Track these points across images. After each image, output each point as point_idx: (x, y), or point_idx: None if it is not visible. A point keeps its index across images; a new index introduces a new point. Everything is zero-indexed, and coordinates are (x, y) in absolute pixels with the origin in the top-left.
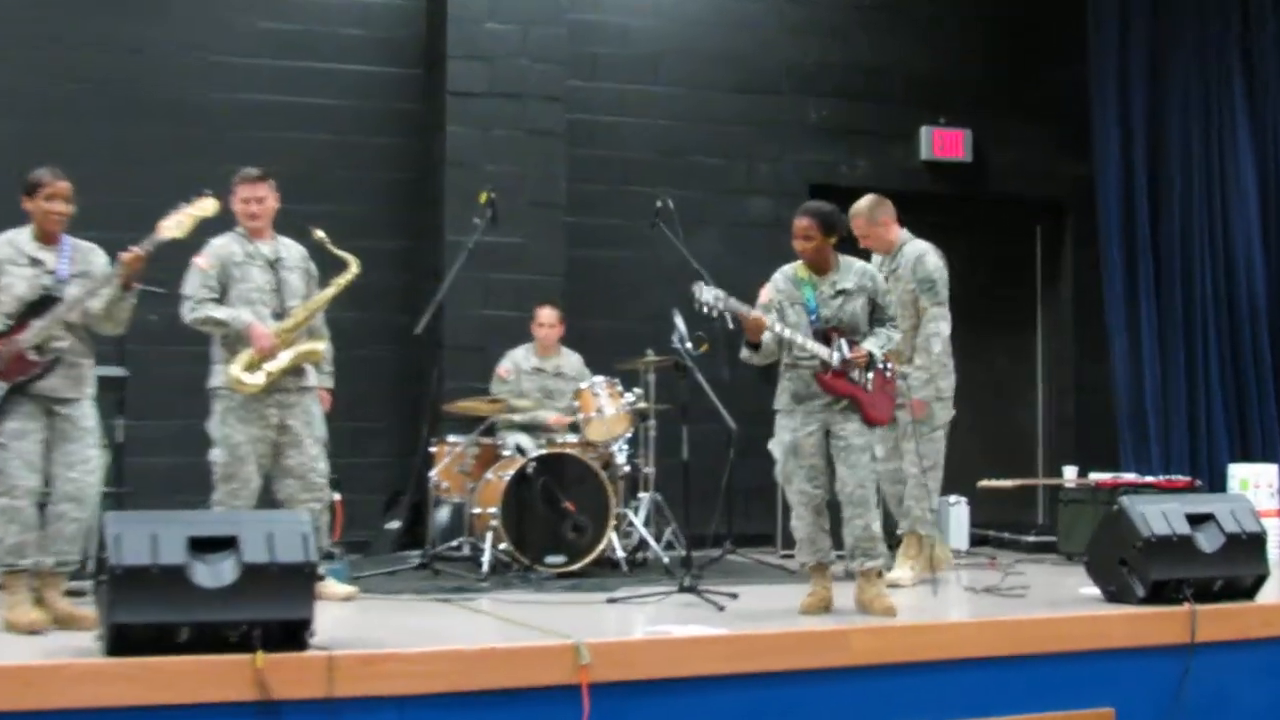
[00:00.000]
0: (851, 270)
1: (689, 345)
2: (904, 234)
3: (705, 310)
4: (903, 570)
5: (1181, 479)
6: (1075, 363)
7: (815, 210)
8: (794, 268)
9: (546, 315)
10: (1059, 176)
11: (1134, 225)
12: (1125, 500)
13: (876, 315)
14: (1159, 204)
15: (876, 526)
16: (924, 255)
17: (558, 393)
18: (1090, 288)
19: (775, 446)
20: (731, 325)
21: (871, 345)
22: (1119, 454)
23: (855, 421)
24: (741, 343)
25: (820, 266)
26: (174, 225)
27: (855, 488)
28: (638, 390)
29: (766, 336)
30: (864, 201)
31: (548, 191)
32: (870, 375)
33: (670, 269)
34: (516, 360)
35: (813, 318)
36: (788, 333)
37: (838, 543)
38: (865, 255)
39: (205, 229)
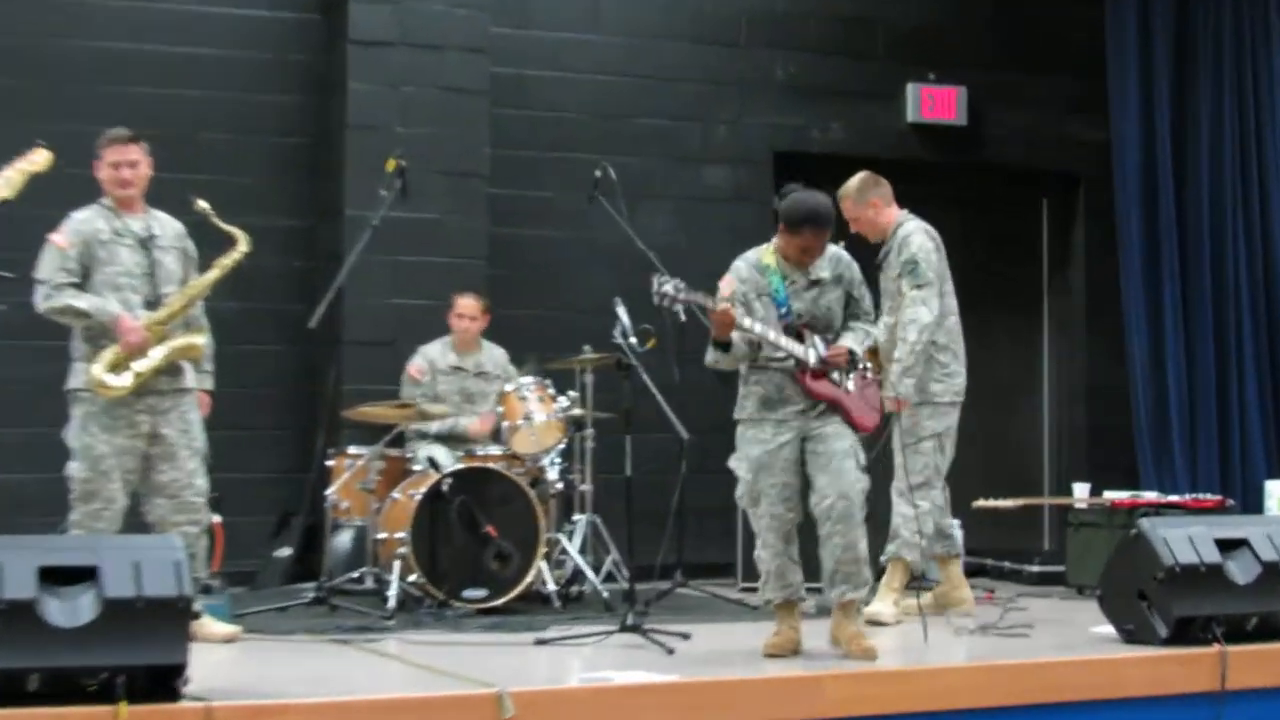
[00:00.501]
0: (826, 257)
1: (633, 340)
2: (901, 216)
3: (665, 304)
4: (884, 604)
5: (1211, 498)
6: (1087, 361)
7: (828, 214)
8: (759, 254)
9: (467, 305)
10: (1069, 142)
11: (1156, 199)
12: (1145, 523)
13: (852, 309)
14: (1185, 174)
15: (862, 547)
16: (910, 235)
17: (479, 396)
18: (1105, 273)
19: (738, 463)
20: (701, 317)
21: (851, 342)
22: (1138, 469)
23: (836, 423)
24: (708, 344)
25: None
26: (1, 183)
27: (837, 499)
28: (573, 393)
29: (737, 336)
30: (853, 181)
31: (468, 158)
32: (850, 377)
33: (611, 250)
34: (430, 357)
35: (783, 311)
36: (759, 328)
37: (809, 573)
38: (859, 244)
39: (63, 200)
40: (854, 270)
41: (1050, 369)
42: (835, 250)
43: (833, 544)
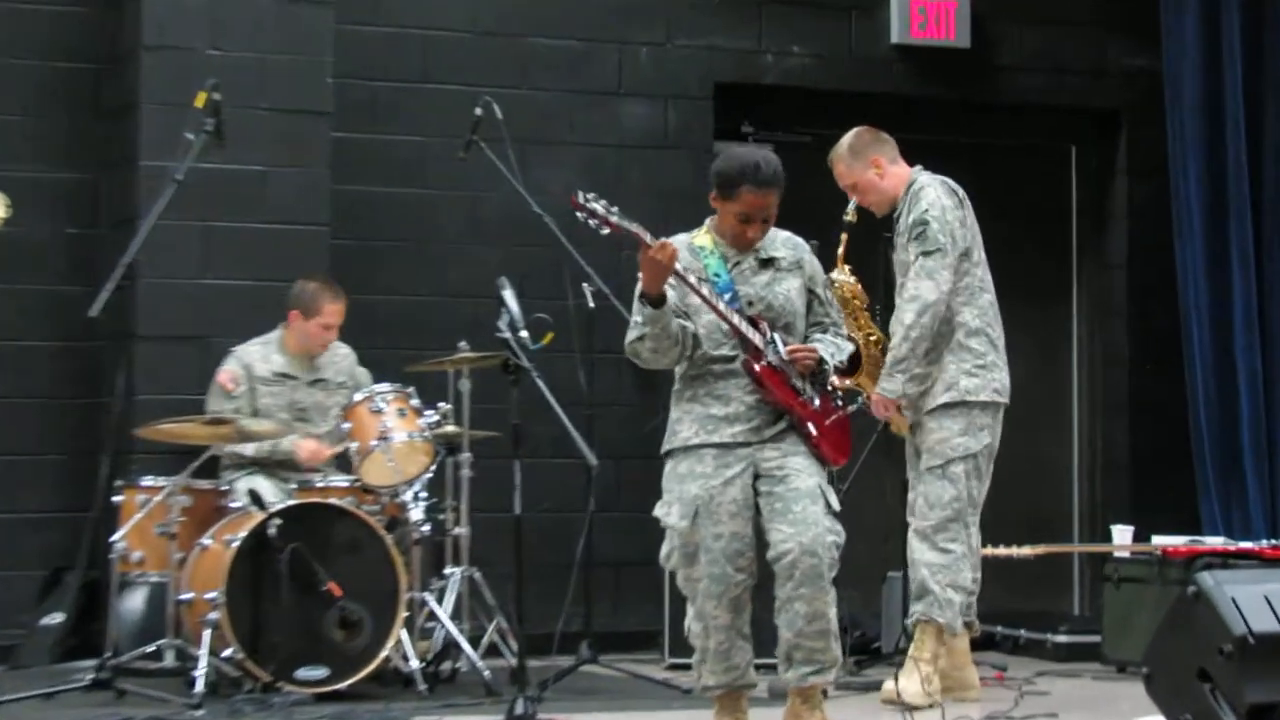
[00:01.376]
0: (777, 238)
1: (525, 334)
2: (915, 172)
3: (590, 222)
4: (911, 680)
5: None
6: (1131, 363)
7: (772, 170)
8: (690, 237)
9: (338, 310)
10: (1107, 72)
11: (1224, 149)
12: (1207, 579)
13: (817, 315)
14: (1263, 115)
15: (832, 616)
16: (922, 189)
17: (316, 411)
18: (1155, 248)
19: (668, 509)
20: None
21: (821, 348)
22: (1198, 506)
23: (799, 453)
24: (633, 315)
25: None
26: None
27: (801, 554)
28: (444, 405)
29: (673, 296)
30: (844, 139)
31: (306, 91)
32: (816, 396)
33: (496, 214)
34: (249, 361)
35: (727, 297)
36: (706, 290)
37: (759, 643)
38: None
39: None
40: (816, 263)
41: (1082, 374)
42: (788, 234)
43: (793, 612)
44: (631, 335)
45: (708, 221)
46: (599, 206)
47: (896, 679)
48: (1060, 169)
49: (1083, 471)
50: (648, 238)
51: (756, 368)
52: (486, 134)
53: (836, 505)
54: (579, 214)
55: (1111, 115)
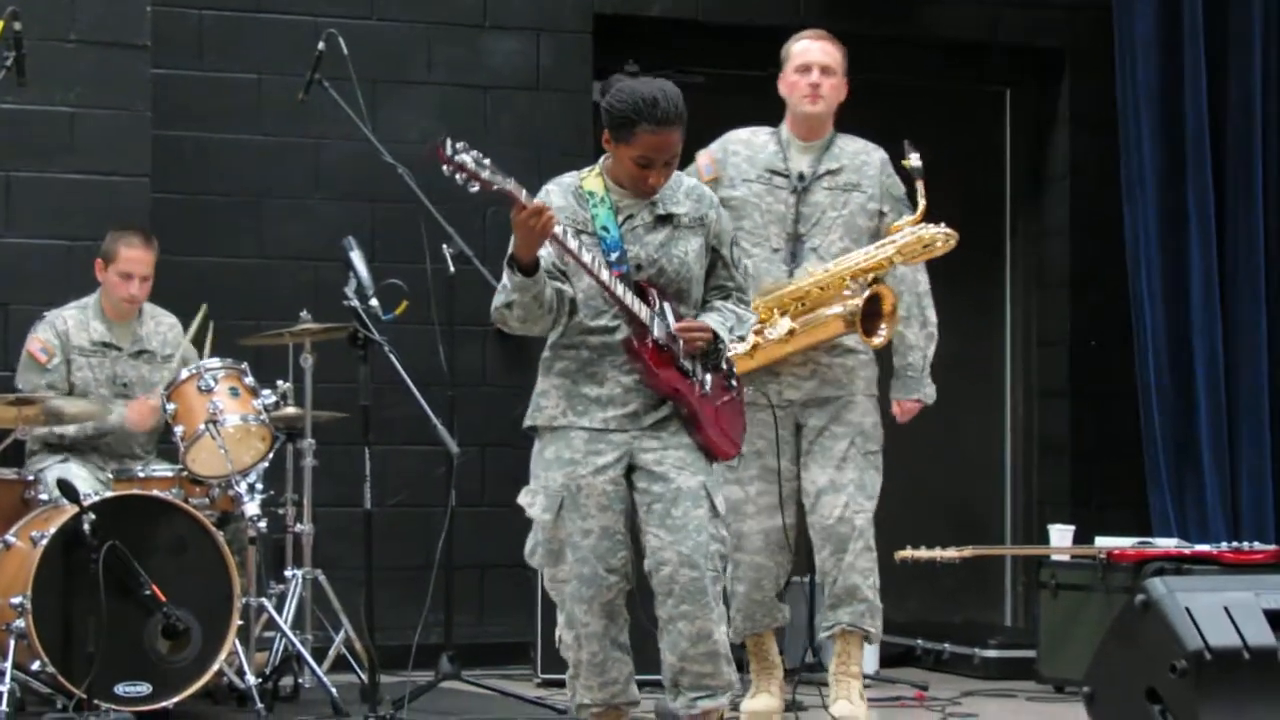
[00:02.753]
0: (680, 187)
1: (375, 303)
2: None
3: (457, 178)
4: (852, 701)
5: (1263, 549)
6: (1072, 342)
7: (674, 105)
8: (577, 178)
9: (136, 256)
10: (1048, 4)
11: (1179, 95)
12: (1158, 585)
13: (718, 280)
14: (1226, 57)
15: (719, 636)
16: (886, 160)
17: (140, 385)
18: (1100, 208)
19: (532, 497)
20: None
21: (714, 323)
22: (1148, 503)
23: (681, 444)
24: (503, 277)
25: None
26: None
27: (680, 566)
28: (283, 384)
29: (546, 258)
30: (827, 36)
31: (121, 21)
32: (709, 377)
33: (341, 164)
34: (64, 329)
35: (613, 258)
36: (587, 256)
37: (644, 660)
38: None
39: None
40: (725, 219)
41: (1016, 354)
42: (693, 182)
43: (676, 633)
44: (498, 300)
45: (600, 161)
46: (469, 159)
47: (828, 703)
48: (993, 116)
49: (1016, 463)
50: (523, 197)
51: (640, 349)
52: (330, 71)
53: (723, 508)
54: (445, 168)
55: (1053, 55)
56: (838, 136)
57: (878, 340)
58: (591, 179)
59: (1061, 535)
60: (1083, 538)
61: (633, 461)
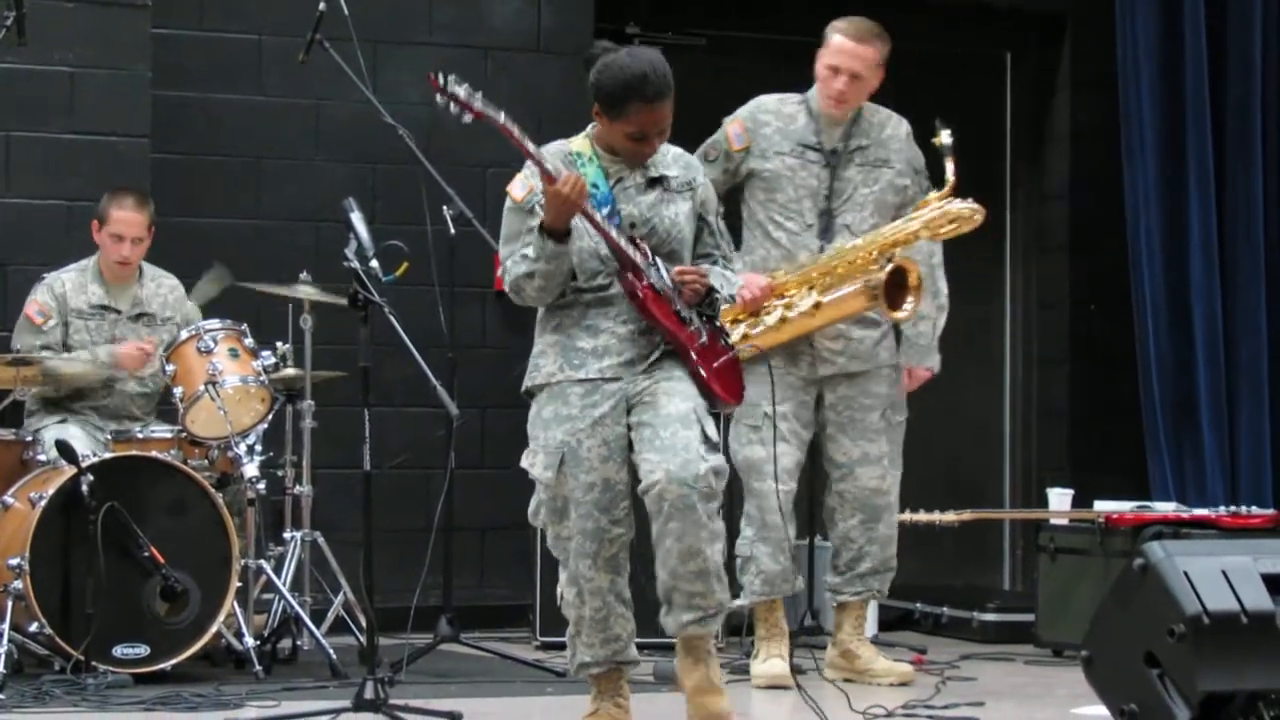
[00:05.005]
0: (668, 154)
1: (375, 264)
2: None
3: (452, 109)
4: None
5: (1261, 513)
6: (1072, 304)
7: (661, 78)
8: (563, 144)
9: (127, 219)
10: None
11: (1180, 58)
12: (1156, 549)
13: (705, 247)
14: (1225, 19)
15: (711, 554)
16: (910, 132)
17: None
18: (1101, 175)
19: (533, 458)
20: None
21: (713, 277)
22: (1145, 467)
23: (675, 379)
24: (533, 239)
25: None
26: None
27: (668, 483)
28: (282, 345)
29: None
30: (866, 35)
31: None
32: (704, 331)
33: (342, 124)
34: (62, 291)
35: (605, 212)
36: (599, 216)
37: (644, 621)
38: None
39: None
40: (710, 187)
41: (1015, 317)
42: (680, 150)
43: (665, 549)
44: (519, 270)
45: (589, 128)
46: (461, 90)
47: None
48: (993, 80)
49: (1015, 427)
50: (529, 146)
51: (638, 289)
52: (331, 32)
53: (714, 435)
54: (439, 99)
55: (1054, 18)
56: (863, 106)
57: (902, 314)
58: (579, 141)
59: (1060, 499)
60: (1081, 502)
61: (629, 404)
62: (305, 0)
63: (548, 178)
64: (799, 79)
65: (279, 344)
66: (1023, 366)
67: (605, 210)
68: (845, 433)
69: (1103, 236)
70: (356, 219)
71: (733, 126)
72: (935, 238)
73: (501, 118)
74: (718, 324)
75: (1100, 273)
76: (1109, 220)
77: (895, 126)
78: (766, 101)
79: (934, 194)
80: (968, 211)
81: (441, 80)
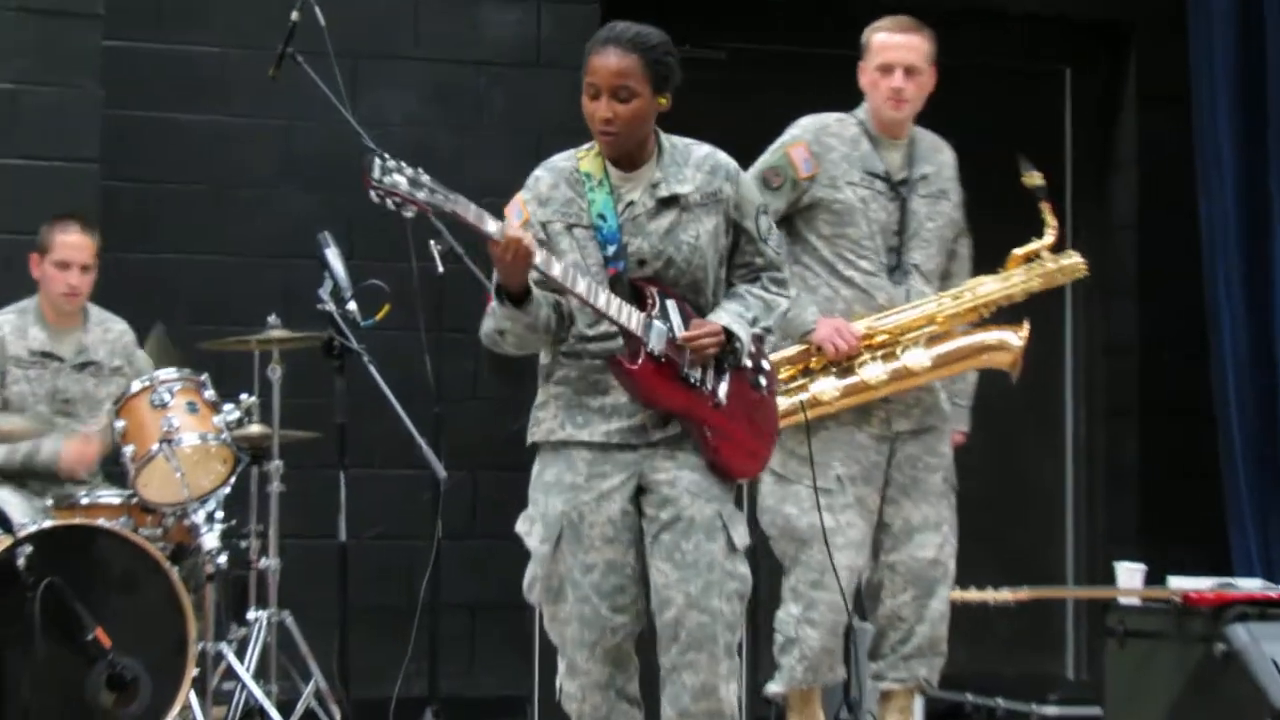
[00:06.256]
0: (689, 159)
1: (353, 306)
2: None
3: (388, 203)
4: None
5: None
6: (1140, 350)
7: (638, 40)
8: (572, 158)
9: (74, 243)
10: None
11: (1261, 73)
12: (1240, 634)
13: (743, 257)
14: None
15: (726, 694)
16: (955, 159)
17: (85, 402)
18: (1172, 200)
19: (530, 525)
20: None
21: (730, 318)
22: (1228, 538)
23: (698, 469)
24: (492, 296)
25: (632, 154)
26: None
27: (687, 609)
28: (248, 398)
29: (535, 276)
30: (911, 25)
31: None
32: (724, 381)
33: (317, 149)
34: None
35: (611, 252)
36: (582, 283)
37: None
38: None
39: None
40: (747, 186)
41: (1078, 367)
42: (708, 149)
43: (678, 684)
44: (488, 325)
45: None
46: (403, 181)
47: None
48: (1051, 98)
49: (1078, 491)
50: (485, 223)
51: (634, 372)
52: (305, 45)
53: (742, 540)
54: (372, 194)
55: (1119, 28)
56: (915, 131)
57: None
58: (590, 159)
59: (1130, 575)
60: (1154, 578)
61: (642, 483)
62: (276, 9)
63: (490, 242)
64: (820, 93)
65: (243, 397)
66: (1085, 422)
67: (612, 249)
68: (909, 495)
69: (1175, 274)
70: (332, 255)
71: (797, 151)
72: (1041, 290)
73: (463, 207)
74: (745, 364)
75: (1173, 315)
76: (1182, 255)
77: (944, 152)
78: (825, 123)
79: (1039, 242)
80: (1083, 267)
81: (377, 169)
